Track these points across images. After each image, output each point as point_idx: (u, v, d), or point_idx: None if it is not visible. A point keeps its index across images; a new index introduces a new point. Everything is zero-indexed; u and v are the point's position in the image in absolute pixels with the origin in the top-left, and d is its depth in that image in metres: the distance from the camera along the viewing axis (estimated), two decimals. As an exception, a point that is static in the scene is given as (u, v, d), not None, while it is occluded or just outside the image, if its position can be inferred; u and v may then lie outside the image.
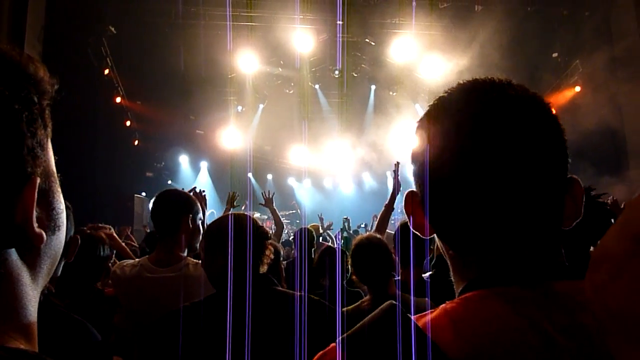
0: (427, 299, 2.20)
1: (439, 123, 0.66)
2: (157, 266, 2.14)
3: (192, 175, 15.15)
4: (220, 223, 1.73)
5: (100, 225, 2.95)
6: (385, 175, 16.62)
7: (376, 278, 2.30)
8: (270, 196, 4.50)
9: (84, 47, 9.89)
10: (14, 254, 0.49)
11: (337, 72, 12.95)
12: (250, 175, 15.01)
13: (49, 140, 0.55)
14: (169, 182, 13.93)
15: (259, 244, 1.69)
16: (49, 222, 0.53)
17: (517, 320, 0.56)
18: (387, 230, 3.54)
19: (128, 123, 12.18)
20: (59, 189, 0.56)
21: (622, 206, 3.42)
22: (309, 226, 4.68)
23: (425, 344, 0.53)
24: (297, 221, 15.35)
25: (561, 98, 10.58)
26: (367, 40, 12.44)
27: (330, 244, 7.02)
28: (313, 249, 4.20)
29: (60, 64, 7.62)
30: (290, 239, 6.49)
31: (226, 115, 13.80)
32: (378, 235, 2.50)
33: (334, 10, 10.68)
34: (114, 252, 2.87)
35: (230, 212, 2.13)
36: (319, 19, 11.42)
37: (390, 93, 13.98)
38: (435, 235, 0.71)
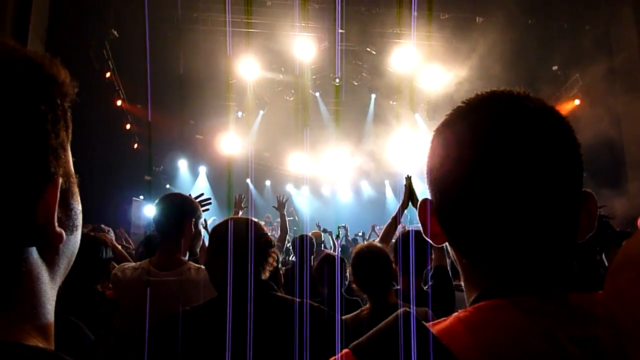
0: (428, 309, 2.20)
1: (457, 132, 0.66)
2: (159, 269, 2.13)
3: (191, 179, 15.07)
4: (227, 226, 1.72)
5: (100, 226, 2.95)
6: (384, 184, 16.59)
7: (376, 287, 2.29)
8: (285, 200, 4.51)
9: (86, 49, 9.91)
10: (34, 253, 0.50)
11: (337, 80, 12.99)
12: (248, 181, 14.95)
13: (69, 142, 0.55)
14: (167, 186, 13.88)
15: (262, 250, 1.69)
16: (67, 222, 0.54)
17: (531, 329, 0.56)
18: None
19: (128, 126, 12.16)
20: (77, 190, 0.57)
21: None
22: (309, 233, 4.67)
23: (441, 352, 0.54)
24: (295, 228, 15.25)
25: (561, 110, 10.62)
26: (368, 49, 12.52)
27: (330, 245, 6.99)
28: (312, 257, 4.19)
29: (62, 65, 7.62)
30: (288, 245, 6.45)
31: (226, 121, 13.78)
32: (379, 244, 2.50)
33: (335, 19, 10.75)
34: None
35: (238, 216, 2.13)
36: (320, 27, 11.50)
37: (391, 102, 14.02)
38: (446, 243, 0.71)
